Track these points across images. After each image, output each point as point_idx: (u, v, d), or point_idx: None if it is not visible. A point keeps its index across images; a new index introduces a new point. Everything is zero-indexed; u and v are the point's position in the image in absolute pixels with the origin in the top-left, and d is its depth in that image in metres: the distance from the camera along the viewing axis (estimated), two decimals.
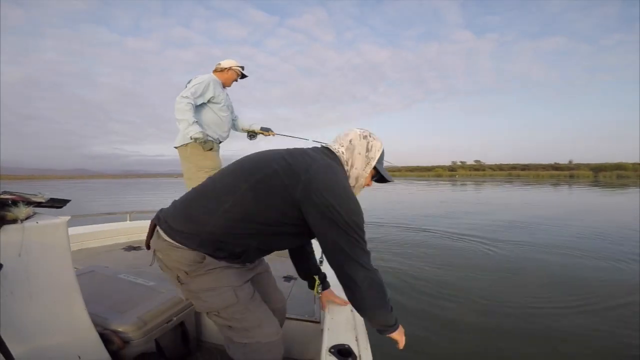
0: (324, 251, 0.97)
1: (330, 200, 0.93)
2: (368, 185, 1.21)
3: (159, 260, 1.04)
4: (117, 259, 2.49)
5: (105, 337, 1.12)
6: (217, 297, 1.02)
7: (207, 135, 2.58)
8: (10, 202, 0.91)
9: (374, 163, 1.13)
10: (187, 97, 2.47)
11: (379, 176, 1.20)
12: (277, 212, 0.97)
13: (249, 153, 1.13)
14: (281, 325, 1.36)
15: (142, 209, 3.95)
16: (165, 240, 1.00)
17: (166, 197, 18.29)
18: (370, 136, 1.15)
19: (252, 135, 3.05)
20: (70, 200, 1.11)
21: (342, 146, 1.13)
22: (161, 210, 1.07)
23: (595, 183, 29.25)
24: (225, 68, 2.72)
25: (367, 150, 1.12)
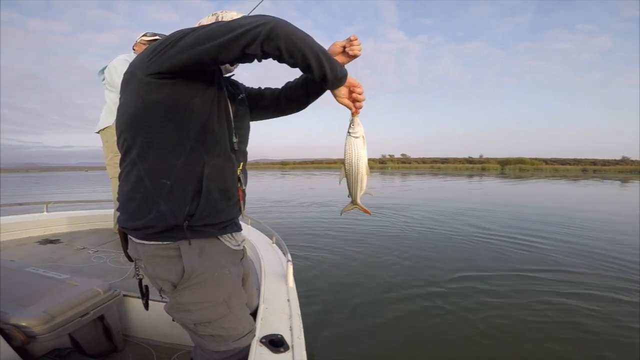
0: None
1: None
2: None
3: (141, 269, 0.96)
4: (29, 252, 2.22)
5: (6, 333, 1.01)
6: (208, 309, 0.91)
7: None
8: None
9: None
10: None
11: None
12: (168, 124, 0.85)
13: None
14: None
15: (61, 198, 3.47)
16: (143, 244, 0.90)
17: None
18: (223, 12, 0.99)
19: None
20: None
21: None
22: (118, 211, 0.96)
23: (502, 175, 33.34)
24: (135, 44, 2.54)
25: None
